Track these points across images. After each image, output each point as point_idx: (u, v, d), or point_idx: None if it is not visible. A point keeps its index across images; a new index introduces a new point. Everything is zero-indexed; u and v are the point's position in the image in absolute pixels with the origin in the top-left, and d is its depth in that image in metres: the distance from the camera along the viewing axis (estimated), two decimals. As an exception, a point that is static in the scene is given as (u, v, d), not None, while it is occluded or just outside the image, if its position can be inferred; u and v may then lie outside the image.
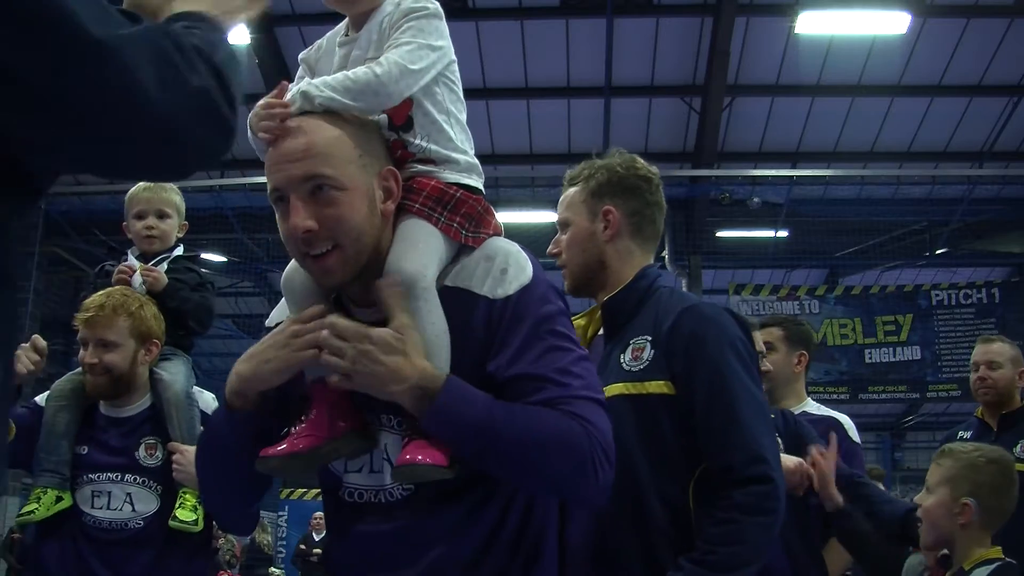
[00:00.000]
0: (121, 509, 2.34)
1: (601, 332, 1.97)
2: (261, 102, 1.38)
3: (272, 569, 12.88)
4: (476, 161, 1.55)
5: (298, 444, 1.36)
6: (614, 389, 1.76)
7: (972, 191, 12.24)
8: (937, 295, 12.45)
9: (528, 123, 12.75)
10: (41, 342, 2.44)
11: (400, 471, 1.33)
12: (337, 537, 1.50)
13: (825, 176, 12.38)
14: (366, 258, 1.39)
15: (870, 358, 12.39)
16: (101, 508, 2.34)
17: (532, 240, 13.01)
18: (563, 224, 2.00)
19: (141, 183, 2.80)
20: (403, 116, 1.45)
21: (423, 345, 1.34)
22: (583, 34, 11.60)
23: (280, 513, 13.20)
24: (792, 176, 12.33)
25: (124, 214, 2.78)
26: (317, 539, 11.19)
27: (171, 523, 2.32)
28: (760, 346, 2.75)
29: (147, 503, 2.36)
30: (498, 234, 1.52)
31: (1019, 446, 3.30)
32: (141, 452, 2.39)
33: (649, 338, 1.81)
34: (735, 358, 1.78)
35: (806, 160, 12.93)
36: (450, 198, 1.45)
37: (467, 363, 1.36)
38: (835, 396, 12.45)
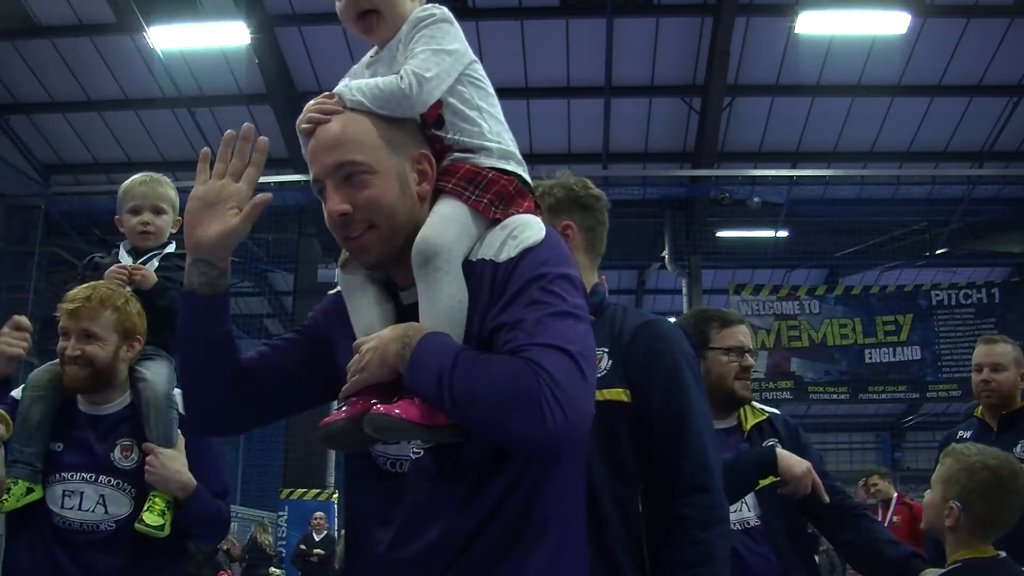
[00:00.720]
0: (93, 511, 2.27)
1: None
2: (312, 101, 1.48)
3: (272, 569, 12.88)
4: (514, 149, 1.56)
5: (356, 409, 1.40)
6: None
7: (972, 191, 12.25)
8: (937, 295, 12.47)
9: (528, 123, 12.74)
10: (24, 321, 2.39)
11: (370, 419, 1.35)
12: (356, 485, 1.54)
13: (825, 176, 12.40)
14: (402, 237, 1.44)
15: (870, 358, 12.40)
16: (72, 508, 2.27)
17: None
18: None
19: (137, 176, 2.75)
20: (434, 115, 1.53)
21: (436, 315, 1.39)
22: (583, 34, 11.60)
23: (280, 513, 13.18)
24: (792, 176, 12.34)
25: (117, 207, 2.72)
26: (317, 539, 11.19)
27: (137, 526, 2.25)
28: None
29: (120, 506, 2.29)
30: (530, 212, 1.50)
31: (1019, 446, 3.28)
32: (116, 453, 2.32)
33: (606, 349, 1.87)
34: (689, 372, 1.88)
35: (806, 160, 12.93)
36: (482, 179, 1.48)
37: (475, 326, 1.40)
38: (835, 396, 12.47)
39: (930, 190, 12.35)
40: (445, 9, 1.57)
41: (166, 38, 11.18)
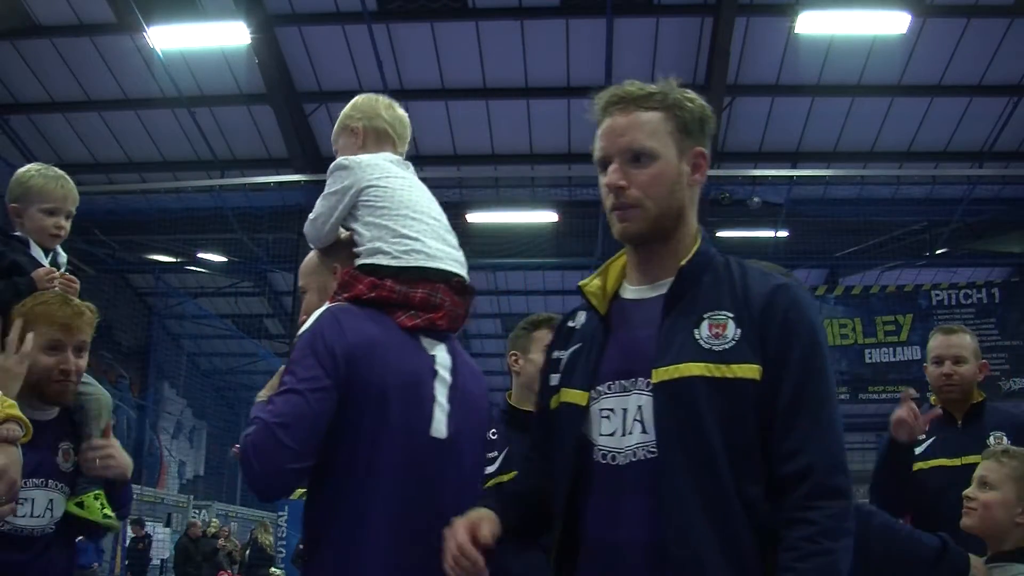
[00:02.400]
0: (43, 516, 2.27)
1: (632, 294, 1.70)
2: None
3: (273, 569, 12.89)
4: (379, 244, 1.96)
5: None
6: (691, 369, 1.54)
7: (972, 191, 12.25)
8: (937, 295, 12.46)
9: (528, 123, 12.75)
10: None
11: None
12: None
13: (825, 176, 12.40)
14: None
15: (870, 358, 12.39)
16: (24, 516, 2.23)
17: (532, 240, 12.93)
18: (643, 155, 1.64)
19: (49, 174, 2.71)
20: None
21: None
22: (583, 34, 11.60)
23: (280, 513, 13.20)
24: (792, 176, 12.34)
25: (19, 199, 2.65)
26: (317, 539, 11.17)
27: (105, 521, 2.32)
28: None
29: (60, 508, 2.30)
30: (357, 297, 1.89)
31: (991, 437, 3.10)
32: (59, 458, 2.32)
33: (731, 314, 1.57)
34: (827, 353, 1.61)
35: (806, 160, 12.93)
36: (346, 276, 1.95)
37: None
38: (835, 396, 12.47)
39: (930, 190, 12.35)
40: (348, 158, 2.06)
41: (166, 38, 11.18)
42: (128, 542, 13.43)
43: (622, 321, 1.66)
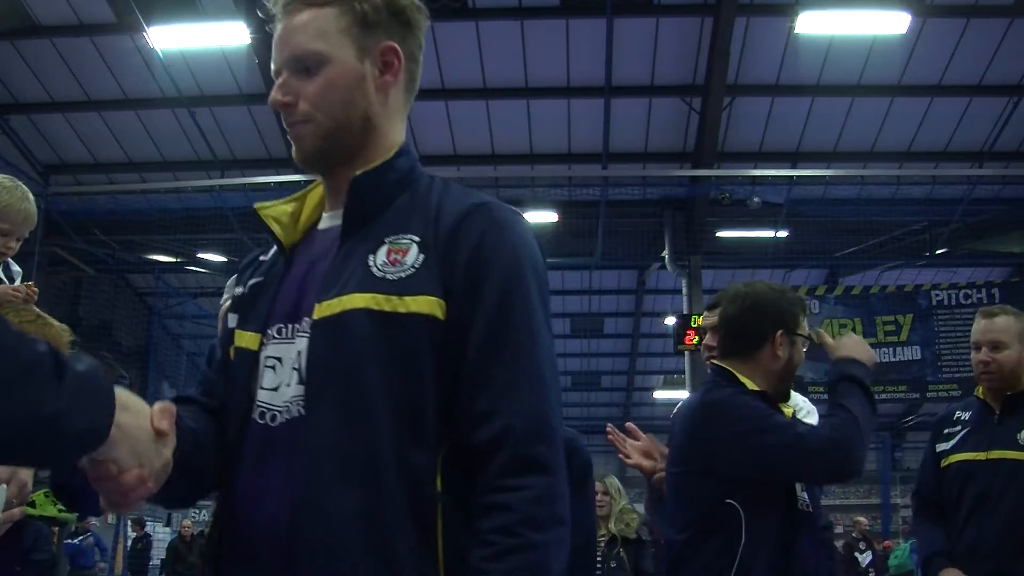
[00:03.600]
0: None
1: (324, 223, 1.41)
2: None
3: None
4: None
5: None
6: (356, 300, 1.23)
7: (972, 191, 12.25)
8: (937, 295, 12.45)
9: (528, 123, 12.75)
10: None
11: None
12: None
13: (825, 176, 12.40)
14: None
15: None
16: None
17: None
18: (309, 61, 1.34)
19: (17, 195, 2.67)
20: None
21: None
22: (583, 34, 11.60)
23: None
24: (792, 176, 12.34)
25: None
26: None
27: (60, 515, 2.36)
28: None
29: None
30: None
31: (1023, 433, 2.84)
32: None
33: (416, 238, 1.27)
34: (537, 287, 1.27)
35: (806, 160, 12.93)
36: None
37: None
38: (835, 396, 12.46)
39: (930, 190, 12.35)
40: None
41: (166, 38, 11.18)
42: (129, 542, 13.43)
43: (303, 253, 1.38)
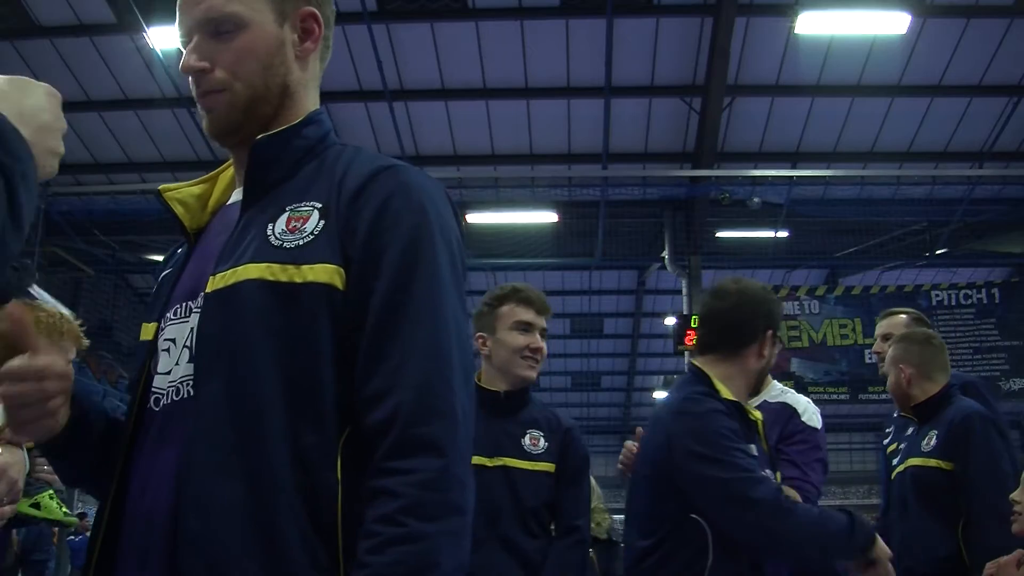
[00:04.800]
0: None
1: (232, 200, 1.32)
2: None
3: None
4: None
5: None
6: (250, 271, 1.14)
7: (972, 191, 12.25)
8: (937, 295, 12.46)
9: (528, 123, 12.74)
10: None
11: None
12: None
13: (825, 176, 12.39)
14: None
15: (870, 358, 12.35)
16: None
17: (532, 240, 12.90)
18: (225, 23, 1.28)
19: None
20: None
21: None
22: (583, 34, 11.59)
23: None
24: (792, 176, 12.33)
25: None
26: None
27: (65, 518, 2.40)
28: None
29: None
30: None
31: (926, 439, 3.12)
32: None
33: (319, 204, 1.18)
34: (446, 256, 1.18)
35: (806, 160, 12.92)
36: None
37: None
38: (835, 396, 12.46)
39: (930, 190, 12.34)
40: None
41: (166, 38, 11.17)
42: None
43: (208, 231, 1.30)
